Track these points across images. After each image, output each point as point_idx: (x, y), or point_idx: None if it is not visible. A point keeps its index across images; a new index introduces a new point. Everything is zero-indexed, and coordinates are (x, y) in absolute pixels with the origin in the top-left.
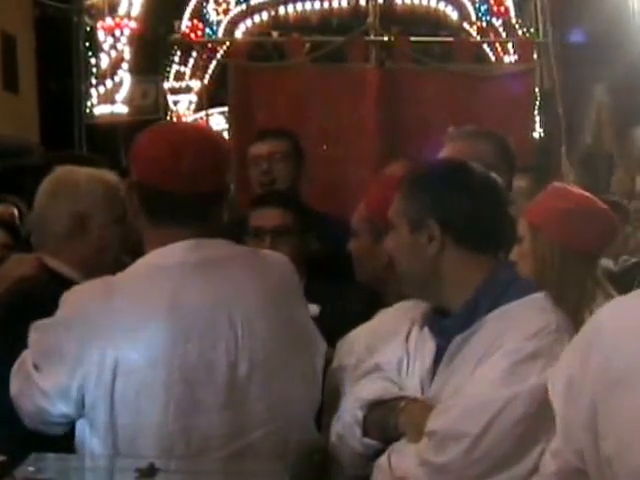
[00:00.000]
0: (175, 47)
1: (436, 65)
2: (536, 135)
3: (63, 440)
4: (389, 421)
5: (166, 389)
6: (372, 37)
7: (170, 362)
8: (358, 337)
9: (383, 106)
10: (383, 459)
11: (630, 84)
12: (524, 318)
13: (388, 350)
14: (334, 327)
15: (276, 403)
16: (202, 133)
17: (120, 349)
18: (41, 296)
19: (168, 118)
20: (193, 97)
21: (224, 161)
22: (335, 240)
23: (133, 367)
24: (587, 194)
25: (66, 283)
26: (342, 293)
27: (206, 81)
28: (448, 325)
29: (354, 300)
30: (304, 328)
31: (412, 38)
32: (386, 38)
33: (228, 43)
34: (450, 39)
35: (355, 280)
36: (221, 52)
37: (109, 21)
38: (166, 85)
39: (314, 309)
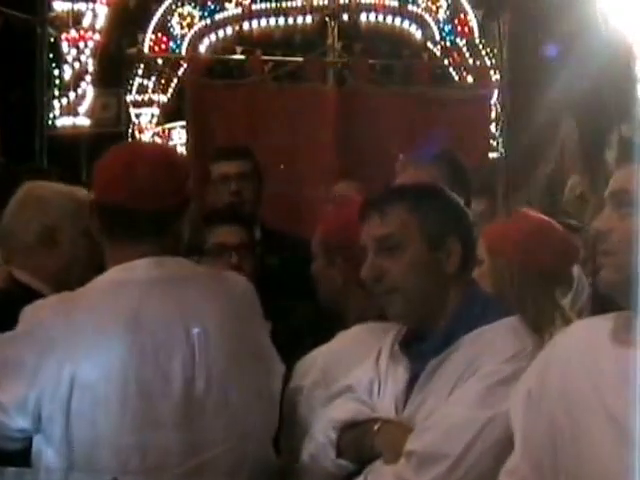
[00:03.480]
0: (138, 60)
1: (393, 87)
2: (496, 156)
3: (21, 455)
4: (364, 442)
5: (121, 403)
6: (330, 58)
7: (126, 377)
8: (315, 358)
9: (340, 126)
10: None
11: (595, 109)
12: (500, 341)
13: (358, 372)
14: (282, 344)
15: (233, 420)
16: (158, 150)
17: (77, 363)
18: (10, 309)
19: (130, 131)
20: (156, 110)
21: (181, 178)
22: (291, 258)
23: (89, 381)
24: (545, 217)
25: (35, 296)
26: (291, 310)
27: (169, 95)
28: (425, 348)
29: (304, 318)
30: (262, 348)
31: (370, 60)
32: (344, 59)
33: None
34: (408, 60)
35: (309, 298)
36: (184, 67)
37: (73, 33)
38: (129, 98)
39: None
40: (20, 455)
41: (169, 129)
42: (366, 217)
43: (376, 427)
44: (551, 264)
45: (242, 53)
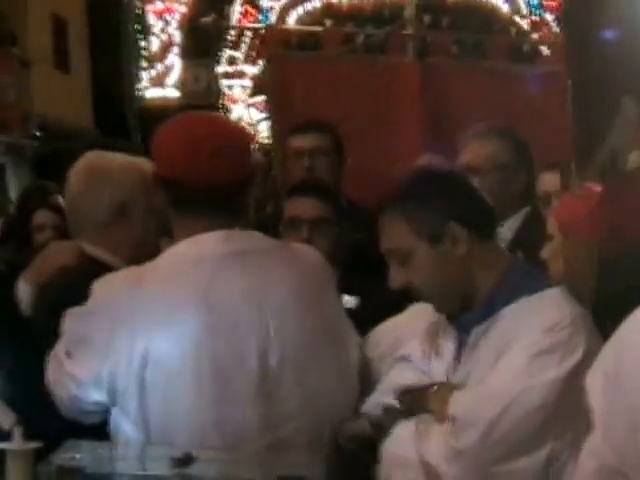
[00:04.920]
0: (224, 32)
1: (472, 61)
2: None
3: (100, 428)
4: (423, 406)
5: (196, 380)
6: (410, 31)
7: (199, 353)
8: (386, 330)
9: (421, 99)
10: (407, 428)
11: None
12: (540, 312)
13: (414, 343)
14: (373, 319)
15: (309, 396)
16: (219, 124)
17: (149, 338)
18: (84, 285)
19: (221, 103)
20: (246, 82)
21: (244, 151)
22: (374, 234)
23: (162, 356)
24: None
25: (108, 271)
26: (380, 286)
27: (260, 66)
28: (468, 318)
29: (391, 293)
30: (336, 322)
31: (451, 34)
32: (424, 33)
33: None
34: (486, 36)
35: None
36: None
37: (159, 5)
38: (219, 70)
39: (351, 301)
40: (98, 429)
41: (263, 100)
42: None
43: (433, 389)
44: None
45: (331, 26)
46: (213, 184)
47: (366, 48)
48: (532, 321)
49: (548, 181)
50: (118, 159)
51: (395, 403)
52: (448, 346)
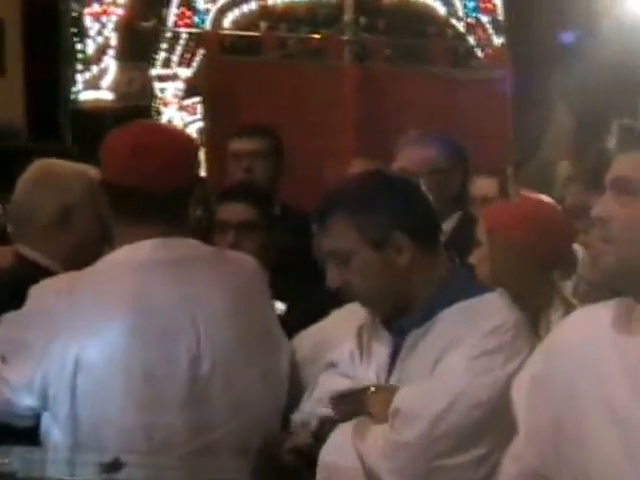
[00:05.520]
0: (161, 35)
1: (410, 66)
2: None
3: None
4: (361, 410)
5: (126, 385)
6: (347, 35)
7: (130, 358)
8: (309, 335)
9: (357, 104)
10: (343, 433)
11: (593, 100)
12: (483, 314)
13: (341, 347)
14: (300, 325)
15: (238, 402)
16: (165, 132)
17: (82, 344)
18: (18, 288)
19: (154, 105)
20: (180, 84)
21: (189, 159)
22: (307, 239)
23: (94, 362)
24: (547, 200)
25: (44, 274)
26: (308, 291)
27: (193, 69)
28: (406, 322)
29: (318, 300)
30: (269, 329)
31: (388, 38)
32: (361, 37)
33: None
34: (427, 40)
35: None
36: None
37: (96, 7)
38: (153, 72)
39: (280, 307)
40: (29, 434)
41: (195, 103)
42: (315, 230)
43: (370, 391)
44: (551, 248)
45: (265, 28)
46: (155, 191)
47: (303, 52)
48: (475, 323)
49: (484, 186)
50: (65, 166)
51: (329, 412)
52: (381, 350)
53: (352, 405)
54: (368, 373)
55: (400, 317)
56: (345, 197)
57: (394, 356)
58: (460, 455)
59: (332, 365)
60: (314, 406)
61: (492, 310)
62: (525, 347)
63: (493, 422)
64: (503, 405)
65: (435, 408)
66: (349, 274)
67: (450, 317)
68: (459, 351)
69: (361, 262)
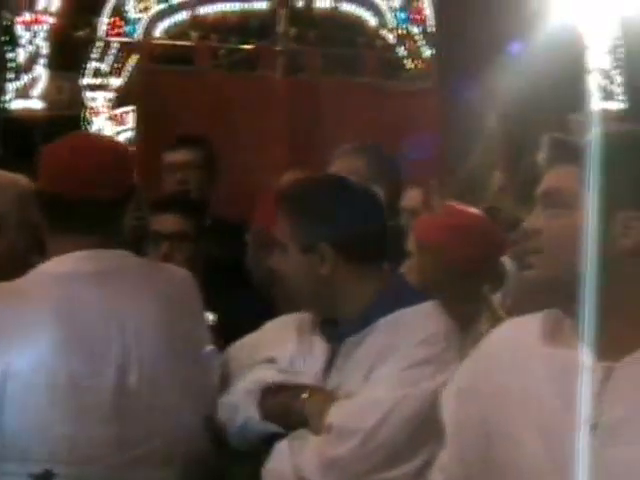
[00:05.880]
0: (92, 44)
1: (343, 77)
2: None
3: None
4: (292, 407)
5: (51, 396)
6: (280, 46)
7: (57, 369)
8: (242, 346)
9: (289, 115)
10: (283, 446)
11: (524, 112)
12: (414, 325)
13: (278, 349)
14: (232, 335)
15: (165, 415)
16: (102, 142)
17: (9, 354)
18: None
19: (84, 114)
20: (110, 94)
21: (125, 170)
22: (239, 249)
23: (21, 372)
24: (476, 211)
25: None
26: (240, 301)
27: (123, 79)
28: (342, 329)
29: (251, 308)
30: (197, 343)
31: (321, 49)
32: (294, 48)
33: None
34: (360, 50)
35: (253, 288)
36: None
37: (28, 16)
38: (83, 81)
39: (210, 317)
40: None
41: (123, 113)
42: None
43: (304, 395)
44: (476, 258)
45: (197, 38)
46: (90, 201)
47: (235, 63)
48: (407, 333)
49: (413, 197)
50: None
51: (255, 413)
52: (318, 356)
53: (283, 400)
54: (305, 377)
55: (335, 324)
56: (296, 193)
57: (330, 363)
58: (395, 469)
59: (270, 361)
60: (241, 397)
61: (424, 320)
62: (454, 358)
63: (426, 434)
64: (435, 417)
65: (368, 423)
66: (282, 263)
67: (385, 326)
68: (391, 361)
69: (290, 259)
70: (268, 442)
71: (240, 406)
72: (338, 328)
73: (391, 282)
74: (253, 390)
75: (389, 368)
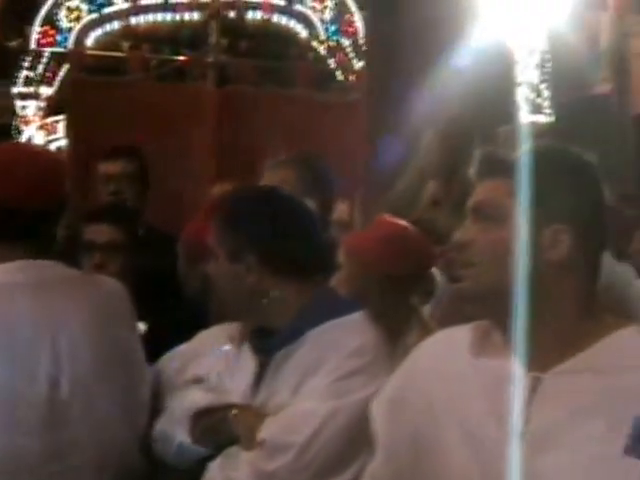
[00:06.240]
0: (24, 53)
1: (273, 89)
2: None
3: None
4: (222, 427)
5: None
6: (212, 58)
7: None
8: (174, 356)
9: (219, 127)
10: (215, 464)
11: (460, 121)
12: (343, 337)
13: (207, 363)
14: (164, 345)
15: (97, 426)
16: (36, 152)
17: None
18: None
19: (15, 123)
20: (41, 103)
21: (55, 179)
22: (171, 259)
23: None
24: (402, 223)
25: None
26: (171, 311)
27: (55, 88)
28: (271, 342)
29: (183, 318)
30: (130, 352)
31: (252, 61)
32: (225, 59)
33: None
34: (291, 62)
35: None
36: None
37: None
38: (14, 90)
39: (142, 327)
40: None
41: (54, 122)
42: None
43: (233, 412)
44: (405, 270)
45: (129, 48)
46: (21, 211)
47: (167, 73)
48: (336, 345)
49: (344, 210)
50: None
51: (187, 438)
52: (247, 370)
53: (212, 422)
54: (233, 392)
55: (264, 336)
56: (226, 204)
57: (260, 376)
58: None
59: (197, 380)
60: (173, 425)
61: (353, 332)
62: (383, 369)
63: (359, 445)
64: (367, 427)
65: (301, 436)
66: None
67: (314, 338)
68: (321, 373)
69: (219, 268)
70: (205, 462)
71: (172, 433)
72: (266, 340)
73: (320, 294)
74: (183, 416)
75: (319, 380)
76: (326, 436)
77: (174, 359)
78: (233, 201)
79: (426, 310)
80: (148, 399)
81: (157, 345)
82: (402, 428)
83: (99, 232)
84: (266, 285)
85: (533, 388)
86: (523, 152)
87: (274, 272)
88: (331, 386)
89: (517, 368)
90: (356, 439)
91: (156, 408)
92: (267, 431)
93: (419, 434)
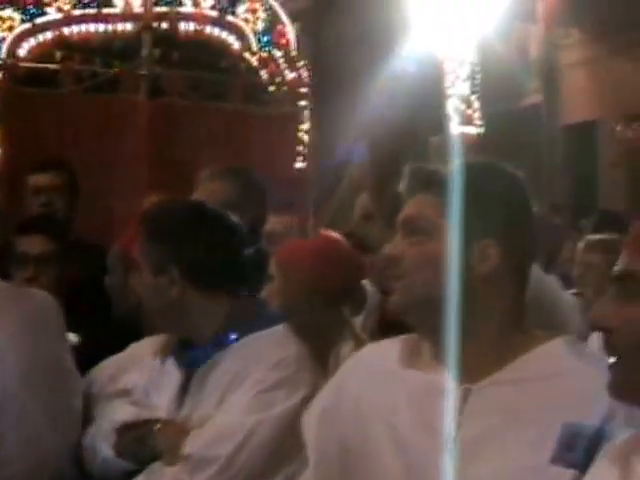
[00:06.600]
0: None
1: (204, 101)
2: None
3: None
4: (145, 442)
5: None
6: (144, 70)
7: None
8: (104, 367)
9: (151, 138)
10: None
11: (390, 134)
12: (265, 349)
13: (134, 376)
14: (95, 357)
15: (28, 440)
16: None
17: None
18: None
19: None
20: None
21: None
22: (101, 270)
23: None
24: (336, 236)
25: None
26: (102, 322)
27: None
28: (194, 356)
29: (114, 330)
30: (61, 365)
31: (185, 73)
32: (158, 72)
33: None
34: (224, 75)
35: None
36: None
37: None
38: None
39: (73, 338)
40: None
41: None
42: None
43: (157, 427)
44: (335, 282)
45: (61, 58)
46: None
47: (99, 85)
48: (258, 358)
49: (276, 222)
50: None
51: (111, 452)
52: (172, 382)
53: (136, 437)
54: (158, 405)
55: (189, 349)
56: (152, 217)
57: (185, 389)
58: None
59: (124, 392)
60: (100, 440)
61: (275, 345)
62: (307, 379)
63: (284, 456)
64: (292, 439)
65: (225, 450)
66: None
67: (237, 352)
68: (244, 387)
69: (143, 280)
70: (131, 477)
71: (97, 447)
72: (190, 353)
73: (243, 306)
74: (107, 430)
75: (243, 393)
76: (250, 449)
77: (105, 370)
78: (157, 214)
79: (358, 322)
80: (80, 410)
81: (90, 356)
82: (333, 438)
83: (31, 243)
84: (189, 298)
85: (463, 399)
86: (452, 167)
87: (197, 285)
88: (254, 399)
89: (447, 380)
90: (282, 451)
91: (88, 419)
92: (191, 445)
93: (349, 444)
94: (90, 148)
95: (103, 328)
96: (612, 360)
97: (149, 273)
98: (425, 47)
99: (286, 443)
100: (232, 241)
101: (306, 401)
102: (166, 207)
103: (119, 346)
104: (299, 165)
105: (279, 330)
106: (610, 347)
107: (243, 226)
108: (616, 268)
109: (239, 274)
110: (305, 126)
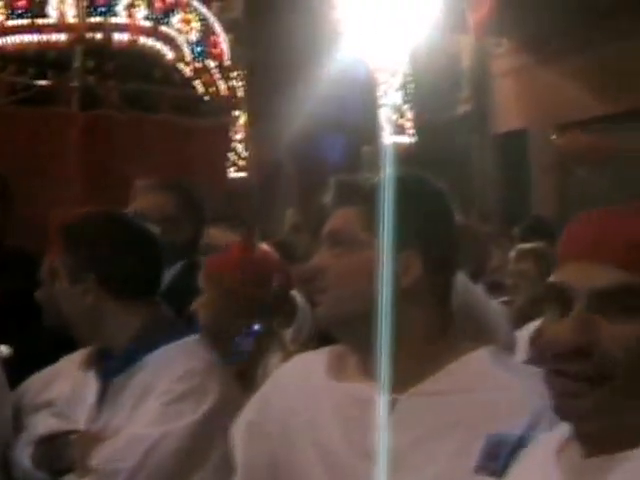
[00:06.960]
0: None
1: (137, 113)
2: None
3: None
4: (61, 453)
5: None
6: (76, 82)
7: None
8: (34, 379)
9: (83, 151)
10: None
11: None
12: (174, 361)
13: (59, 388)
14: (27, 369)
15: None
16: None
17: None
18: None
19: None
20: None
21: None
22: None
23: None
24: (263, 247)
25: None
26: (35, 334)
27: None
28: (110, 367)
29: (46, 341)
30: None
31: (118, 85)
32: (90, 84)
33: None
34: (157, 87)
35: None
36: None
37: None
38: None
39: (5, 350)
40: None
41: None
42: None
43: (72, 438)
44: (262, 293)
45: None
46: None
47: (33, 97)
48: (167, 370)
49: (213, 235)
50: None
51: (30, 463)
52: (91, 393)
53: (52, 448)
54: (79, 416)
55: (106, 359)
56: (68, 226)
57: (101, 400)
58: None
59: (49, 404)
60: (19, 449)
61: (183, 355)
62: (215, 390)
63: (191, 467)
64: (203, 449)
65: (130, 462)
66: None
67: (150, 363)
68: (152, 397)
69: (57, 286)
70: None
71: (19, 458)
72: (106, 365)
73: (157, 317)
74: (27, 441)
75: (151, 404)
76: (155, 461)
77: (35, 381)
78: (73, 223)
79: (287, 334)
80: (9, 420)
81: (22, 368)
82: (260, 450)
83: None
84: (105, 306)
85: (389, 410)
86: (376, 180)
87: (113, 294)
88: (161, 410)
89: (373, 391)
90: (189, 462)
91: (19, 429)
92: (97, 457)
93: (277, 456)
94: (23, 161)
95: (35, 339)
96: (581, 385)
97: (66, 282)
98: (355, 56)
99: (196, 453)
100: (149, 251)
101: (215, 411)
102: (82, 216)
103: (52, 358)
104: (233, 175)
105: (190, 341)
106: (584, 371)
107: (177, 237)
108: (589, 285)
109: (154, 283)
110: (239, 136)
